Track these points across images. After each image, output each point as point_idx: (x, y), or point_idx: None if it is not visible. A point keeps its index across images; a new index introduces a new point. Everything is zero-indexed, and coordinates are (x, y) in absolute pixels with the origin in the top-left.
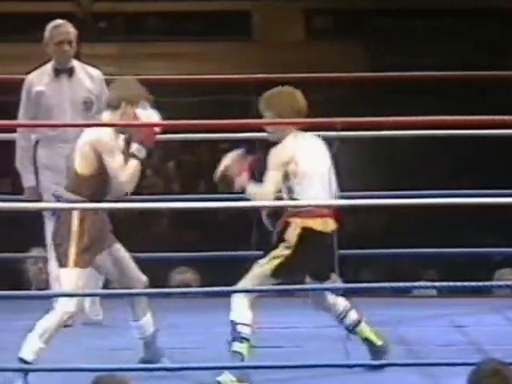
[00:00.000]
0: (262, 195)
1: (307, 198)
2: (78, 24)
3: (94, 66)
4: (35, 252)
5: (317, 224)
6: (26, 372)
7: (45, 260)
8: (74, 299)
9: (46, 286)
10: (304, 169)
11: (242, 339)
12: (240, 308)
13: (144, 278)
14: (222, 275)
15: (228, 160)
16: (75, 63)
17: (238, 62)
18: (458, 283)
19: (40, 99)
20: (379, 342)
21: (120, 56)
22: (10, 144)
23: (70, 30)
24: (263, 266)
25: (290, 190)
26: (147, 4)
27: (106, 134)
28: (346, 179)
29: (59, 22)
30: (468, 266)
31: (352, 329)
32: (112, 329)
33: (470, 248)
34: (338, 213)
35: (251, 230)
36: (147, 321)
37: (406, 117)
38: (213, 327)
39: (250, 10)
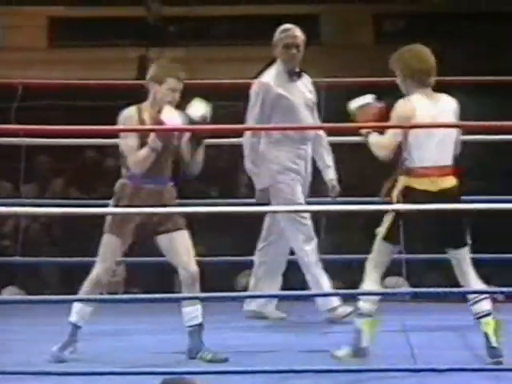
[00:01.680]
0: (382, 145)
1: (420, 156)
2: (147, 28)
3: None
4: None
5: (419, 183)
6: None
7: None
8: None
9: (118, 290)
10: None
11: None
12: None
13: (192, 269)
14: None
15: (360, 101)
16: None
17: (307, 65)
18: None
19: (279, 101)
20: (494, 344)
21: (188, 60)
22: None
23: (298, 34)
24: (379, 233)
25: (406, 146)
26: (216, 8)
27: (124, 117)
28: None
29: (288, 26)
30: None
31: (478, 318)
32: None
33: None
34: (455, 171)
35: None
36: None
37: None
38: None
39: (319, 14)
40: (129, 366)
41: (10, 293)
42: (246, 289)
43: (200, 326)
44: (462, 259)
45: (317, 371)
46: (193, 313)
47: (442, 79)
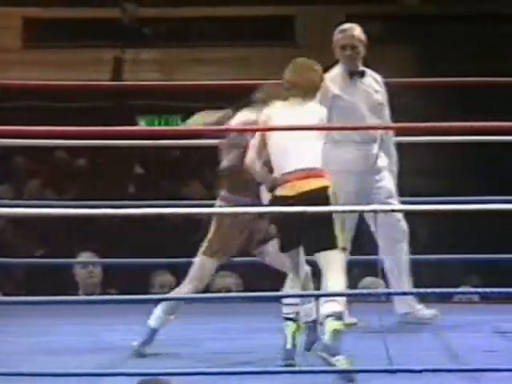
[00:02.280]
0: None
1: (279, 164)
2: (122, 30)
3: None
4: (84, 256)
5: (280, 189)
6: None
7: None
8: None
9: (95, 290)
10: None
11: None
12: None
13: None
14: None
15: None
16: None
17: (282, 67)
18: (501, 289)
19: (336, 102)
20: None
21: (164, 61)
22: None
23: (355, 33)
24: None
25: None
26: (191, 9)
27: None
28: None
29: (346, 26)
30: (511, 271)
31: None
32: None
33: None
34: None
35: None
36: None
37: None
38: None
39: (294, 15)
40: (104, 367)
41: None
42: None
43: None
44: (325, 262)
45: (288, 372)
46: (309, 310)
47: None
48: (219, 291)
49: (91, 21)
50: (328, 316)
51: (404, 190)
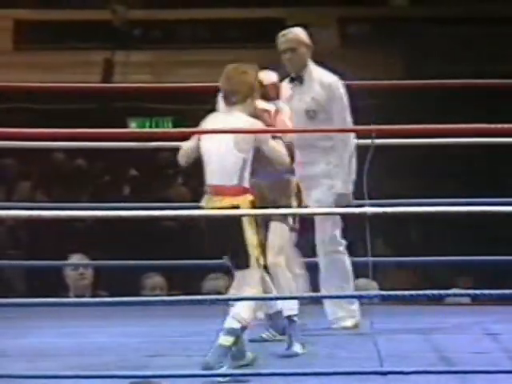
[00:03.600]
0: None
1: (206, 173)
2: (112, 32)
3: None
4: (75, 258)
5: (204, 199)
6: None
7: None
8: None
9: (85, 292)
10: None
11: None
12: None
13: None
14: None
15: None
16: (312, 69)
17: (272, 69)
18: (492, 291)
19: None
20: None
21: (154, 63)
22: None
23: (292, 37)
24: None
25: None
26: (182, 12)
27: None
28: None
29: (286, 30)
30: (501, 273)
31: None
32: None
33: (504, 256)
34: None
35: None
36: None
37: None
38: None
39: (284, 18)
40: (94, 368)
41: None
42: None
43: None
44: (239, 280)
45: (276, 374)
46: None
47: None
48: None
49: (82, 23)
50: (224, 330)
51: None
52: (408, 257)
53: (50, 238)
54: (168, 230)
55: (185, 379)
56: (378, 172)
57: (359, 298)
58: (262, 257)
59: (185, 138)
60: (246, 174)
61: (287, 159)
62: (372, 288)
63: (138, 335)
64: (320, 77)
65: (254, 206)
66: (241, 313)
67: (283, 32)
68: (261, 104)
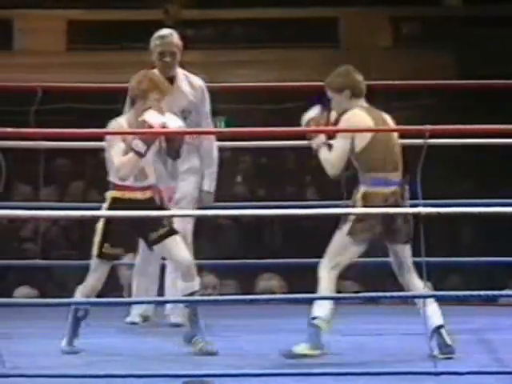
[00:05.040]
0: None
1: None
2: None
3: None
4: (127, 258)
5: None
6: None
7: None
8: None
9: None
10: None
11: None
12: None
13: None
14: (307, 282)
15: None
16: (179, 71)
17: (325, 69)
18: None
19: None
20: None
21: (206, 63)
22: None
23: (174, 41)
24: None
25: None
26: (235, 11)
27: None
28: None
29: (164, 32)
30: None
31: None
32: None
33: None
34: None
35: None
36: None
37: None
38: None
39: (337, 17)
40: (147, 368)
41: (22, 292)
42: None
43: None
44: None
45: (328, 374)
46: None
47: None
48: (263, 293)
49: (134, 23)
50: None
51: None
52: (460, 257)
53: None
54: (224, 228)
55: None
56: (432, 172)
57: (413, 298)
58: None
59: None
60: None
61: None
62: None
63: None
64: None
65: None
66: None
67: (163, 33)
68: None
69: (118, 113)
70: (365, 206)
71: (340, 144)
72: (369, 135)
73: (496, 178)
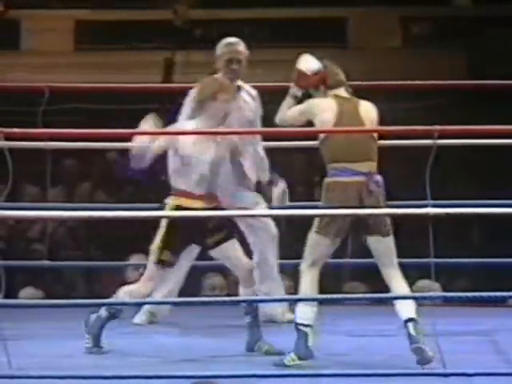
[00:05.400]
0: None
1: None
2: (173, 31)
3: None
4: (135, 259)
5: None
6: None
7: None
8: None
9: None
10: None
11: None
12: None
13: None
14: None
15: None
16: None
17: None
18: None
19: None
20: None
21: (214, 63)
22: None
23: (240, 49)
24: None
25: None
26: (243, 11)
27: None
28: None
29: (233, 40)
30: None
31: None
32: None
33: None
34: None
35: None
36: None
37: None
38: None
39: (346, 17)
40: (155, 368)
41: (28, 293)
42: None
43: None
44: None
45: (338, 375)
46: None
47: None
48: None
49: (143, 22)
50: None
51: None
52: (470, 258)
53: (110, 239)
54: None
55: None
56: (441, 173)
57: (422, 298)
58: None
59: None
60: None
61: None
62: (435, 289)
63: (199, 335)
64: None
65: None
66: None
67: (232, 40)
68: None
69: (127, 113)
70: (326, 196)
71: (300, 107)
72: (330, 123)
73: (505, 179)
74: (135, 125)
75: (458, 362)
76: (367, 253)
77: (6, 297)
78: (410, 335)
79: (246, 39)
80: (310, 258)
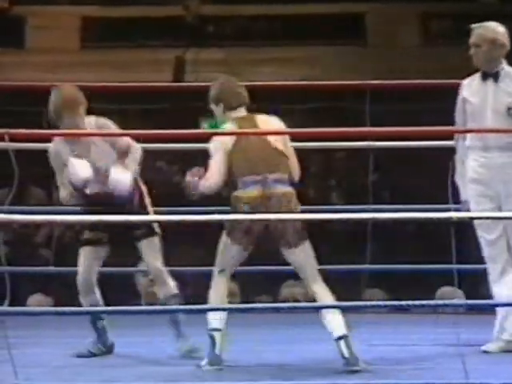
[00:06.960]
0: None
1: None
2: (184, 28)
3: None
4: (145, 264)
5: None
6: None
7: None
8: None
9: (156, 300)
10: None
11: None
12: None
13: None
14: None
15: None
16: (505, 67)
17: (351, 67)
18: None
19: (464, 105)
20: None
21: (228, 61)
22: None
23: (480, 32)
24: None
25: None
26: (256, 7)
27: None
28: None
29: (478, 24)
30: None
31: None
32: None
33: None
34: None
35: (366, 243)
36: None
37: None
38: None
39: (364, 13)
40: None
41: (36, 300)
42: None
43: None
44: None
45: None
46: None
47: None
48: (286, 301)
49: (152, 19)
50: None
51: None
52: None
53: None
54: None
55: None
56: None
57: (444, 306)
58: None
59: None
60: None
61: None
62: (457, 296)
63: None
64: None
65: None
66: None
67: (474, 25)
68: None
69: (136, 112)
70: (233, 210)
71: (215, 160)
72: (229, 146)
73: None
74: (145, 125)
75: (481, 372)
76: (388, 258)
77: (13, 304)
78: (342, 355)
79: (259, 36)
80: (221, 263)
